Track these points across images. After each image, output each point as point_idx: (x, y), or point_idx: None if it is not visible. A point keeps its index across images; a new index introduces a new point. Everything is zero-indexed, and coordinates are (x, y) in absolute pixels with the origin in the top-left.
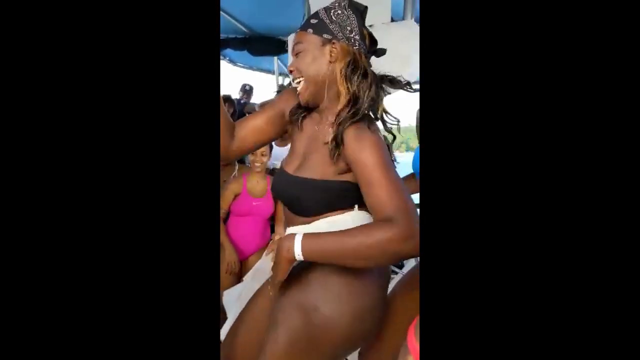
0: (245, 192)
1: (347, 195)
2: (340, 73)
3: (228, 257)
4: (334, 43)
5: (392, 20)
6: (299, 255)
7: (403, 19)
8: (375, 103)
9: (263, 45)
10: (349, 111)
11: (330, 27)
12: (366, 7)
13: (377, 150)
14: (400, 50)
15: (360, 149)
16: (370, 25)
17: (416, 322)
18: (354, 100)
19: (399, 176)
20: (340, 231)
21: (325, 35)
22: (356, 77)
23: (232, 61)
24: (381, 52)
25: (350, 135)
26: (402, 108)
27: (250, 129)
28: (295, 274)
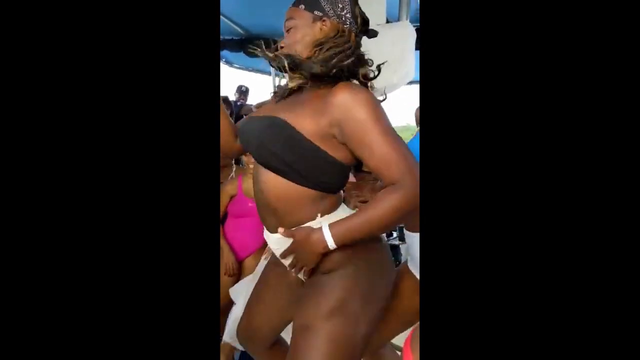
0: (241, 193)
1: (327, 175)
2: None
3: (226, 259)
4: (324, 20)
5: (388, 21)
6: (332, 245)
7: (398, 19)
8: (348, 72)
9: (259, 47)
10: (314, 57)
11: (322, 4)
12: None
13: (371, 106)
14: (396, 51)
15: (353, 105)
16: None
17: (412, 334)
18: (318, 46)
19: (394, 131)
20: (360, 211)
21: (316, 12)
22: (333, 45)
23: (228, 62)
24: (373, 34)
25: (341, 91)
26: (401, 108)
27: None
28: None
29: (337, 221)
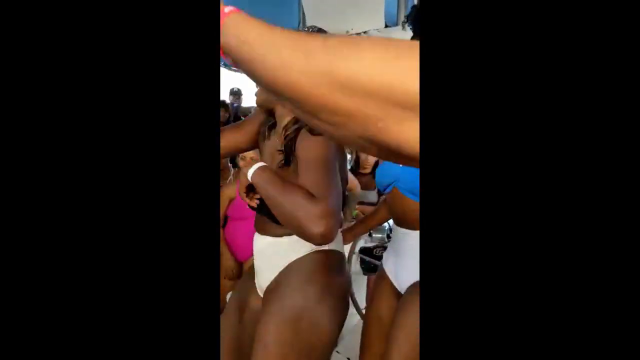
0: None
1: None
2: None
3: (225, 263)
4: None
5: (386, 25)
6: (250, 174)
7: (397, 24)
8: None
9: None
10: (294, 123)
11: None
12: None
13: (318, 146)
14: None
15: (303, 146)
16: (365, 32)
17: None
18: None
19: (336, 175)
20: (283, 183)
21: None
22: None
23: (226, 65)
24: None
25: (300, 137)
26: None
27: (227, 140)
28: (274, 289)
29: (269, 172)
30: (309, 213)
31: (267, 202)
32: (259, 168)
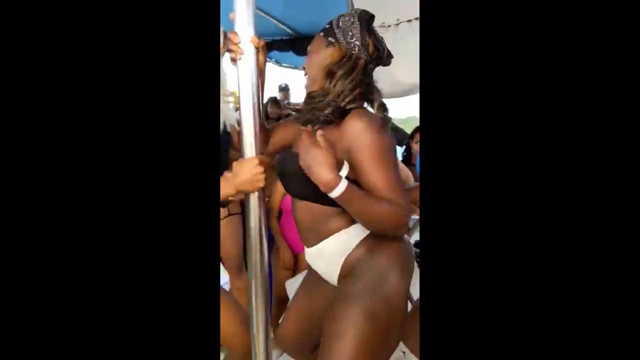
0: None
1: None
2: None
3: (282, 255)
4: (335, 46)
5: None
6: (337, 194)
7: None
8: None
9: (307, 45)
10: (320, 97)
11: (335, 31)
12: (372, 17)
13: (376, 133)
14: None
15: (364, 131)
16: (397, 22)
17: None
18: (328, 79)
19: (396, 158)
20: (367, 194)
21: (330, 39)
22: (342, 72)
23: (277, 62)
24: (386, 63)
25: (351, 119)
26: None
27: (280, 135)
28: (345, 273)
29: (353, 186)
30: (397, 221)
31: (352, 213)
32: (348, 186)
